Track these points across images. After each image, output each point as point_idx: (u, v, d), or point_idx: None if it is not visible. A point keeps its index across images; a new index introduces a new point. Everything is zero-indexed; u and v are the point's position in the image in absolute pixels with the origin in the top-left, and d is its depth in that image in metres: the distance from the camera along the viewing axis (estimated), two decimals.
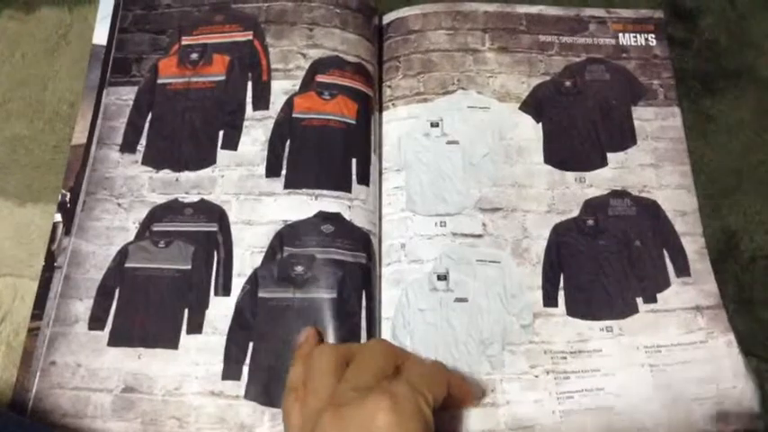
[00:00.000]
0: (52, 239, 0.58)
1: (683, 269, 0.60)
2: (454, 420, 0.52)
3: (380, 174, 0.63)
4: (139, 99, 0.65)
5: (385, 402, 0.41)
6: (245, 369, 0.54)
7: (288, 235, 0.59)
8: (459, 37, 0.68)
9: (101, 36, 0.67)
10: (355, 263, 0.58)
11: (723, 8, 0.72)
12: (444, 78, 0.66)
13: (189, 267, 0.58)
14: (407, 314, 0.57)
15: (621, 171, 0.63)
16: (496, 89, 0.66)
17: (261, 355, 0.55)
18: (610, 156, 0.64)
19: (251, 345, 0.55)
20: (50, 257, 0.58)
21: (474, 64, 0.67)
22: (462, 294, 0.58)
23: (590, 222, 0.61)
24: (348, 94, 0.64)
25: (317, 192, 0.60)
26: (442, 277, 0.58)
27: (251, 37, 0.67)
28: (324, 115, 0.63)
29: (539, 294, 0.58)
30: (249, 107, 0.64)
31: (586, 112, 0.66)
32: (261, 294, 0.57)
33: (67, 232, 0.59)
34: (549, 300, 0.58)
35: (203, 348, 0.55)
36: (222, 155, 0.63)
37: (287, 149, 0.62)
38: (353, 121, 0.63)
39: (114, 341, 0.56)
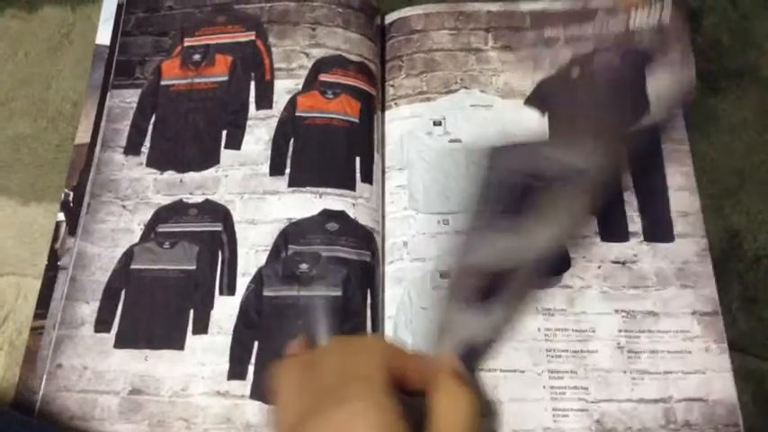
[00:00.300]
0: (55, 238, 0.58)
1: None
2: None
3: (383, 172, 0.63)
4: (143, 101, 0.65)
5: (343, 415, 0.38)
6: (251, 368, 0.55)
7: (292, 233, 0.59)
8: (462, 37, 0.68)
9: (104, 37, 0.67)
10: (359, 261, 0.58)
11: (725, 8, 0.72)
12: (447, 78, 0.66)
13: (194, 268, 0.58)
14: (409, 312, 0.57)
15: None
16: (500, 87, 0.66)
17: (266, 354, 0.55)
18: None
19: (256, 344, 0.55)
20: (54, 256, 0.58)
21: (477, 63, 0.67)
22: None
23: None
24: (351, 93, 0.64)
25: (321, 190, 0.60)
26: (445, 275, 0.58)
27: (253, 37, 0.67)
28: (327, 114, 0.63)
29: None
30: (252, 107, 0.64)
31: (595, 98, 0.65)
32: (265, 293, 0.57)
33: (71, 232, 0.59)
34: None
35: (209, 348, 0.55)
36: (226, 154, 0.63)
37: (290, 148, 0.62)
38: (357, 120, 0.63)
39: (120, 343, 0.56)
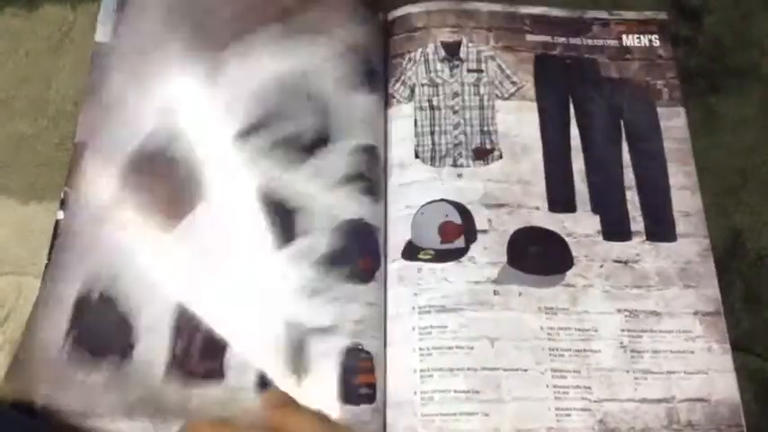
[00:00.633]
0: (55, 237, 0.58)
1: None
2: None
3: (386, 171, 0.63)
4: None
5: None
6: None
7: None
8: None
9: (103, 34, 0.66)
10: None
11: (726, 7, 0.72)
12: None
13: None
14: None
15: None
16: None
17: None
18: None
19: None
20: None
21: None
22: None
23: None
24: None
25: None
26: None
27: None
28: None
29: None
30: None
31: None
32: None
33: None
34: None
35: None
36: None
37: None
38: None
39: None
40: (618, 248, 0.60)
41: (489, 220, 0.60)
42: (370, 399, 0.54)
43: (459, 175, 0.62)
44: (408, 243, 0.59)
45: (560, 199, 0.62)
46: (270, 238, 0.58)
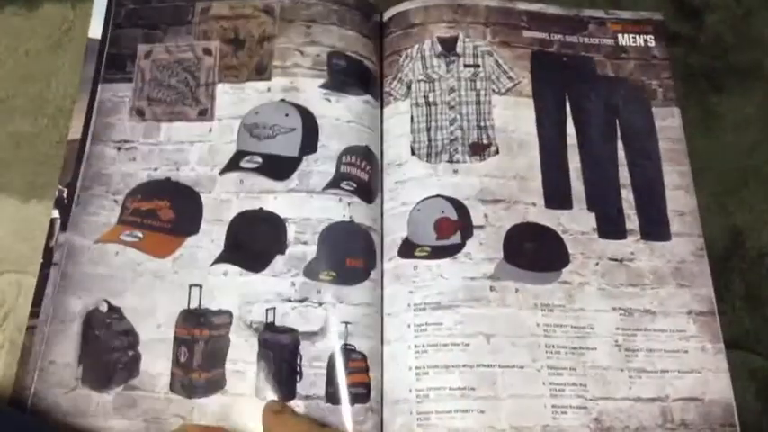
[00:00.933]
0: (50, 235, 0.58)
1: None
2: None
3: (382, 169, 0.63)
4: None
5: None
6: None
7: None
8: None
9: (96, 30, 0.67)
10: None
11: (729, 5, 0.71)
12: None
13: None
14: None
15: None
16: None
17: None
18: None
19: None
20: (48, 254, 0.58)
21: None
22: None
23: None
24: None
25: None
26: None
27: None
28: None
29: None
30: None
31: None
32: None
33: (63, 228, 0.59)
34: None
35: None
36: None
37: None
38: None
39: None
40: (613, 246, 0.60)
41: (485, 216, 0.60)
42: (364, 398, 0.54)
43: (456, 171, 0.62)
44: (405, 240, 0.59)
45: (557, 195, 0.62)
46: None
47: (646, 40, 0.69)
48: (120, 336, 0.55)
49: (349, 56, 0.65)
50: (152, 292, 0.57)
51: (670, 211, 0.61)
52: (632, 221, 0.61)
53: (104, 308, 0.56)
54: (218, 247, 0.58)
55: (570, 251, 0.60)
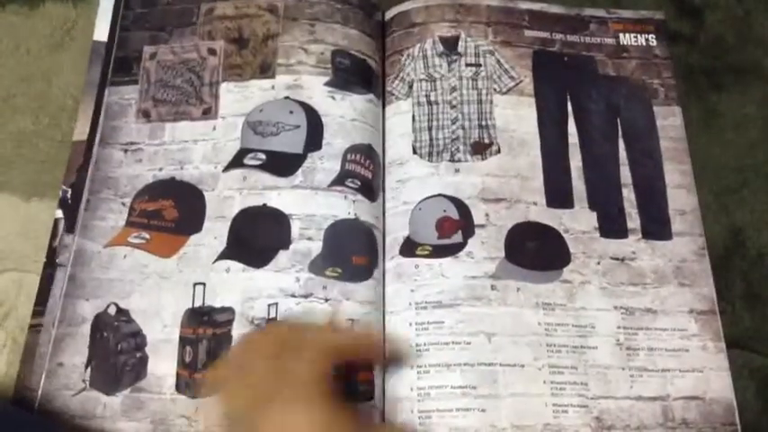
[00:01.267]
0: (53, 235, 0.58)
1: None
2: None
3: (384, 168, 0.63)
4: None
5: None
6: None
7: None
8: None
9: (101, 33, 0.67)
10: None
11: (729, 4, 0.71)
12: None
13: None
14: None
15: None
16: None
17: None
18: None
19: None
20: (52, 254, 0.58)
21: None
22: None
23: None
24: None
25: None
26: None
27: None
28: None
29: None
30: None
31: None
32: None
33: (69, 229, 0.59)
34: None
35: None
36: None
37: None
38: None
39: None
40: (614, 246, 0.60)
41: (487, 215, 0.60)
42: (370, 395, 0.54)
43: (457, 170, 0.62)
44: (406, 239, 0.60)
45: (558, 194, 0.62)
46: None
47: (647, 40, 0.69)
48: (128, 338, 0.55)
49: (353, 54, 0.66)
50: (158, 292, 0.57)
51: (671, 210, 0.62)
52: (633, 220, 0.61)
53: (113, 311, 0.56)
54: (221, 244, 0.58)
55: (571, 250, 0.60)
